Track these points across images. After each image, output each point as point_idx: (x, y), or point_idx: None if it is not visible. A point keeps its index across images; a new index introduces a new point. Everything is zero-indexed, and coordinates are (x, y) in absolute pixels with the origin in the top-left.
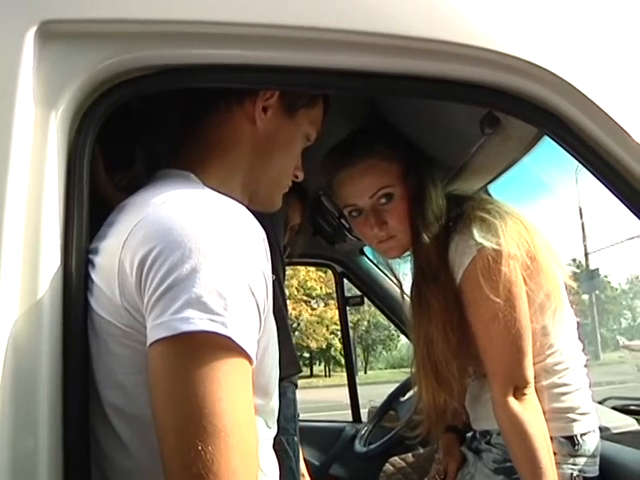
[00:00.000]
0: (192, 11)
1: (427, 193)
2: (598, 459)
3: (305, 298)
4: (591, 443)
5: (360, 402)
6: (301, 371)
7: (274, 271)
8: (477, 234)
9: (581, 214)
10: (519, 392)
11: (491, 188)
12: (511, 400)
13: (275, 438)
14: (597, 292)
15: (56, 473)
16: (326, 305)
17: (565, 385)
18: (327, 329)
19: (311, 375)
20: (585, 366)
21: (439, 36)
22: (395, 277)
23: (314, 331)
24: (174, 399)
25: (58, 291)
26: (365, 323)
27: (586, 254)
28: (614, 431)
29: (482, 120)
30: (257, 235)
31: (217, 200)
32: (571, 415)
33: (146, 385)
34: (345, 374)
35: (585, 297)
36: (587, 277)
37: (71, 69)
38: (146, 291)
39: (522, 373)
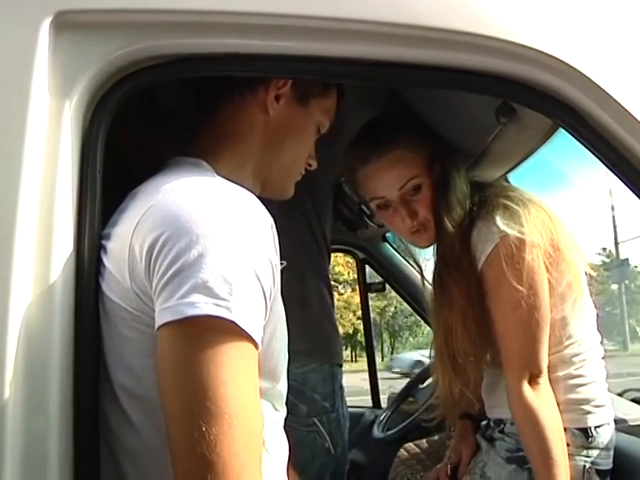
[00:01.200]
0: (204, 1)
1: (451, 180)
2: (612, 452)
3: (333, 283)
4: (605, 436)
5: (383, 388)
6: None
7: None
8: (500, 221)
9: (612, 203)
10: (533, 381)
11: (515, 175)
12: (525, 388)
13: (307, 421)
14: (627, 282)
15: (67, 452)
16: (353, 290)
17: (581, 377)
18: (354, 314)
19: None
20: (603, 358)
21: (455, 26)
22: (416, 263)
23: (341, 316)
24: (179, 381)
25: (71, 276)
26: (392, 309)
27: (616, 243)
28: (631, 423)
29: (497, 109)
30: (264, 222)
31: (225, 188)
32: (586, 407)
33: (155, 368)
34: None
35: (614, 287)
36: (617, 266)
37: (85, 59)
38: (155, 276)
39: (537, 362)
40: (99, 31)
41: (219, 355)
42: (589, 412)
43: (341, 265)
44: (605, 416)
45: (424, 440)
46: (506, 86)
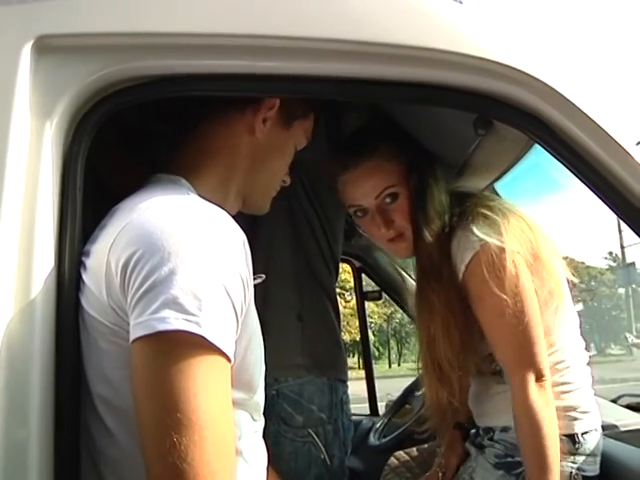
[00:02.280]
0: (179, 23)
1: (429, 191)
2: (599, 458)
3: (339, 291)
4: (592, 442)
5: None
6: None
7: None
8: (479, 230)
9: None
10: (538, 385)
11: (519, 179)
12: (532, 395)
13: (302, 432)
14: (633, 285)
15: (47, 463)
16: None
17: (566, 384)
18: None
19: None
20: (588, 364)
21: (427, 44)
22: (407, 273)
23: (347, 323)
24: (152, 393)
25: (51, 291)
26: (399, 315)
27: (622, 247)
28: (623, 429)
29: (475, 122)
30: (236, 239)
31: (197, 206)
32: (572, 413)
33: (130, 379)
34: (379, 366)
35: (621, 290)
36: (623, 270)
37: (65, 81)
38: (129, 291)
39: (537, 365)
40: (79, 54)
41: (189, 368)
42: (575, 418)
43: (347, 273)
44: (591, 422)
45: (414, 448)
46: (477, 101)
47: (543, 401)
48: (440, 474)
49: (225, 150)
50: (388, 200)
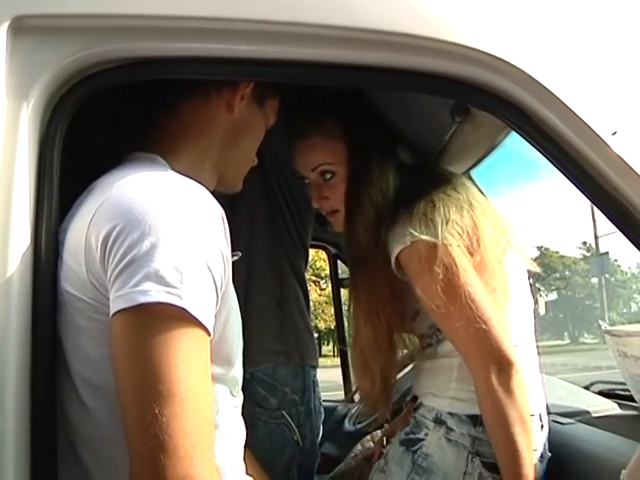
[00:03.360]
0: (158, 6)
1: (367, 176)
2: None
3: (314, 278)
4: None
5: None
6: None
7: (235, 250)
8: (412, 227)
9: None
10: (504, 374)
11: (494, 167)
12: (493, 382)
13: (276, 413)
14: (607, 275)
15: (24, 446)
16: None
17: None
18: None
19: (320, 355)
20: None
21: (404, 29)
22: None
23: (323, 311)
24: (133, 366)
25: (28, 270)
26: None
27: (596, 237)
28: (595, 415)
29: (452, 109)
30: (215, 214)
31: (177, 181)
32: None
33: (111, 356)
34: (349, 355)
35: (594, 280)
36: (596, 260)
37: (42, 62)
38: (109, 266)
39: (500, 353)
40: (56, 35)
41: (170, 341)
42: None
43: (323, 260)
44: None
45: (379, 431)
46: (455, 87)
47: (506, 389)
48: (384, 440)
49: (202, 129)
50: (325, 176)
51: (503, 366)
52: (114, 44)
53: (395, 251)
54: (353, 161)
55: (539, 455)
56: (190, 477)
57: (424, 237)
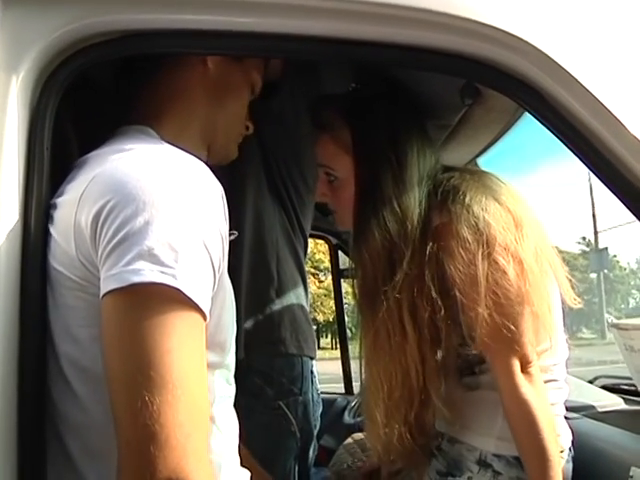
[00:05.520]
0: None
1: (379, 191)
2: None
3: (313, 271)
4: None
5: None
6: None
7: (232, 229)
8: (455, 203)
9: (591, 191)
10: (524, 372)
11: (490, 160)
12: (519, 380)
13: (273, 404)
14: (605, 271)
15: (9, 434)
16: None
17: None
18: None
19: (318, 348)
20: (565, 381)
21: (415, 3)
22: None
23: (321, 304)
24: (123, 349)
25: (16, 245)
26: None
27: (595, 232)
28: (600, 410)
29: (462, 90)
30: (215, 191)
31: (174, 155)
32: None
33: (100, 338)
34: (351, 347)
35: (593, 275)
36: (596, 255)
37: (33, 34)
38: (100, 244)
39: (522, 349)
40: (47, 6)
41: (164, 323)
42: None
43: (322, 253)
44: (559, 445)
45: None
46: (467, 65)
47: (532, 390)
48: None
49: (182, 90)
50: (327, 176)
51: (526, 365)
52: (108, 16)
53: (433, 224)
54: (362, 175)
55: (567, 455)
56: (182, 469)
57: (469, 217)
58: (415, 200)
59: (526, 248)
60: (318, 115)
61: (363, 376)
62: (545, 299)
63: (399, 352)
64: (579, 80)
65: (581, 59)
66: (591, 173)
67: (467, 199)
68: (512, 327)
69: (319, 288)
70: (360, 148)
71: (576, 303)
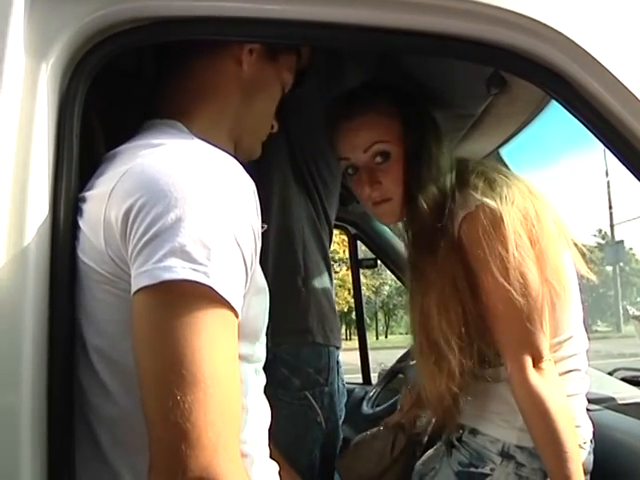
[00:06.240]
0: None
1: (426, 152)
2: (589, 477)
3: None
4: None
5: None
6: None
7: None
8: (476, 192)
9: (608, 184)
10: (535, 366)
11: (506, 152)
12: (530, 375)
13: (299, 394)
14: (621, 264)
15: (40, 427)
16: (348, 269)
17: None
18: (349, 293)
19: None
20: (586, 373)
21: None
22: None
23: (336, 294)
24: (154, 347)
25: (46, 237)
26: (387, 287)
27: (612, 225)
28: (620, 402)
29: (488, 79)
30: (247, 187)
31: (206, 151)
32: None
33: (129, 332)
34: (367, 337)
35: (609, 268)
36: (611, 248)
37: (63, 20)
38: (131, 240)
39: (535, 344)
40: None
41: (195, 321)
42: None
43: (336, 243)
44: (583, 435)
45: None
46: (495, 54)
47: (544, 382)
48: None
49: (216, 86)
50: (378, 159)
51: (539, 361)
52: (138, 2)
53: (459, 217)
54: (410, 138)
55: (588, 446)
56: (213, 468)
57: (491, 202)
58: (448, 165)
59: (546, 238)
60: (362, 99)
61: (415, 336)
62: (565, 288)
63: (453, 299)
64: (608, 68)
65: (610, 47)
66: (608, 165)
67: (491, 190)
68: (526, 326)
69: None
70: (407, 113)
71: (588, 272)
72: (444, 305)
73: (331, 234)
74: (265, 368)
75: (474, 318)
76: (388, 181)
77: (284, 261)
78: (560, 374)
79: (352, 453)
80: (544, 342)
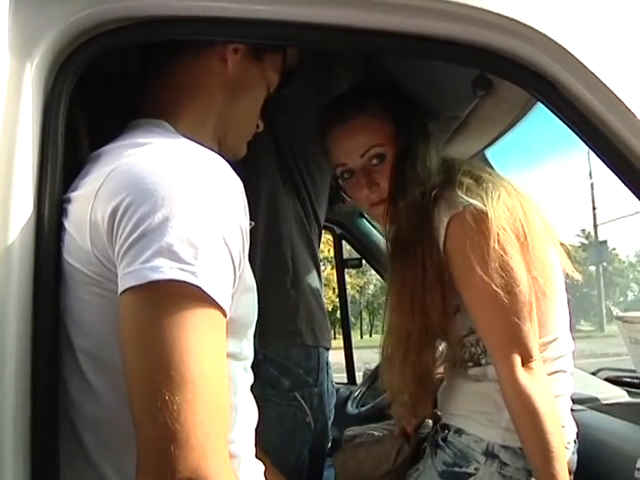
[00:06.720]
0: None
1: (413, 152)
2: (572, 477)
3: None
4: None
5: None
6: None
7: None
8: (463, 193)
9: (592, 184)
10: (525, 366)
11: (490, 153)
12: (520, 375)
13: (288, 395)
14: (604, 264)
15: (23, 427)
16: (333, 268)
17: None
18: (334, 292)
19: None
20: (571, 374)
21: None
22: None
23: None
24: (142, 348)
25: (30, 239)
26: (371, 287)
27: (595, 225)
28: (604, 402)
29: (474, 81)
30: (234, 187)
31: (193, 150)
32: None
33: (115, 332)
34: (352, 337)
35: (592, 268)
36: (595, 248)
37: (48, 19)
38: (117, 240)
39: (524, 343)
40: None
41: (183, 321)
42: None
43: (321, 242)
44: (565, 437)
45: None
46: (480, 56)
47: (533, 382)
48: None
49: (200, 85)
50: (374, 162)
51: (528, 360)
52: (123, 2)
53: (445, 220)
54: (399, 136)
55: (572, 446)
56: (202, 469)
57: (477, 203)
58: (436, 164)
59: (534, 236)
60: (353, 103)
61: (386, 323)
62: (551, 287)
63: (422, 295)
64: (592, 70)
65: (595, 49)
66: (591, 166)
67: (477, 186)
68: (516, 324)
69: None
70: (398, 115)
71: (573, 272)
72: (403, 303)
73: (320, 234)
74: (254, 369)
75: (450, 321)
76: (385, 182)
77: (272, 262)
78: (546, 375)
79: (351, 451)
80: (534, 341)
